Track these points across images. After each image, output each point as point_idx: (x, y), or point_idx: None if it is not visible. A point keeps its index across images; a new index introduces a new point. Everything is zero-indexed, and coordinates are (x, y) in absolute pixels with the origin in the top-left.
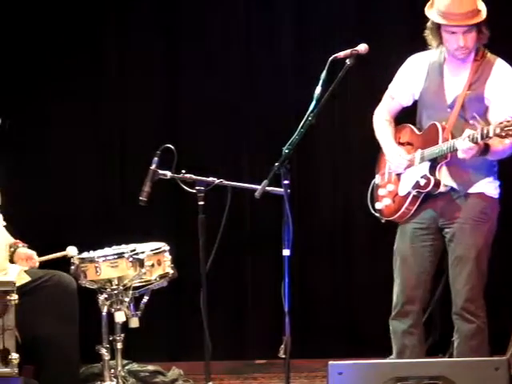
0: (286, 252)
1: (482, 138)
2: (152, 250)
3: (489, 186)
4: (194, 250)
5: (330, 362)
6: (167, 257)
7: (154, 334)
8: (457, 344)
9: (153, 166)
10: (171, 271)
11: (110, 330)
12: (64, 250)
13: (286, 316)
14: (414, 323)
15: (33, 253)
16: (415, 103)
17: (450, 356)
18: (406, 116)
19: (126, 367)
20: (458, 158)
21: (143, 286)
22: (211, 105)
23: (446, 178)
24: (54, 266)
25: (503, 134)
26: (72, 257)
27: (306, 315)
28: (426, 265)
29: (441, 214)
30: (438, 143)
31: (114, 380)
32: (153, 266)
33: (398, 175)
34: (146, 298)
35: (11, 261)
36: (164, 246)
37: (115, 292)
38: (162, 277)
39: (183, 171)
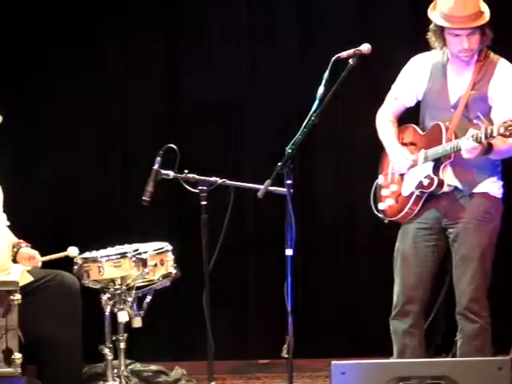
0: (289, 252)
1: (486, 137)
2: (155, 250)
3: (493, 186)
4: (197, 250)
5: (333, 362)
6: (170, 257)
7: (157, 333)
8: (460, 344)
9: (155, 166)
10: (174, 271)
11: (113, 330)
12: (66, 250)
13: (288, 316)
14: (414, 323)
15: (35, 253)
16: (418, 103)
17: (453, 356)
18: (408, 116)
19: (129, 367)
20: (461, 158)
21: (146, 286)
22: (214, 104)
23: (449, 178)
24: (56, 265)
25: (507, 133)
26: (74, 257)
27: (309, 315)
28: (427, 264)
29: (444, 214)
30: (441, 143)
31: (117, 380)
32: (156, 265)
33: (402, 175)
34: (148, 298)
35: (14, 261)
36: (167, 246)
37: (118, 292)
38: (164, 276)
39: (186, 171)
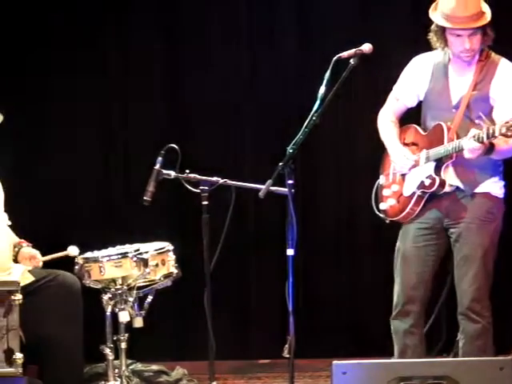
0: (290, 252)
1: (488, 137)
2: (156, 250)
3: (494, 186)
4: (198, 250)
5: (334, 362)
6: (171, 256)
7: (158, 333)
8: (462, 344)
9: (157, 166)
10: (175, 271)
11: (114, 330)
12: (66, 249)
13: (289, 316)
14: (414, 323)
15: (36, 252)
16: (420, 104)
17: (455, 356)
18: (410, 117)
19: (130, 367)
20: (463, 158)
21: (147, 286)
22: (215, 104)
23: (451, 178)
24: (56, 265)
25: (509, 133)
26: (75, 256)
27: (310, 315)
28: (428, 264)
29: (446, 214)
30: (443, 143)
31: (118, 380)
32: (157, 265)
33: (403, 175)
34: (150, 298)
35: (15, 260)
36: (168, 246)
37: (119, 292)
38: (166, 276)
39: (187, 171)
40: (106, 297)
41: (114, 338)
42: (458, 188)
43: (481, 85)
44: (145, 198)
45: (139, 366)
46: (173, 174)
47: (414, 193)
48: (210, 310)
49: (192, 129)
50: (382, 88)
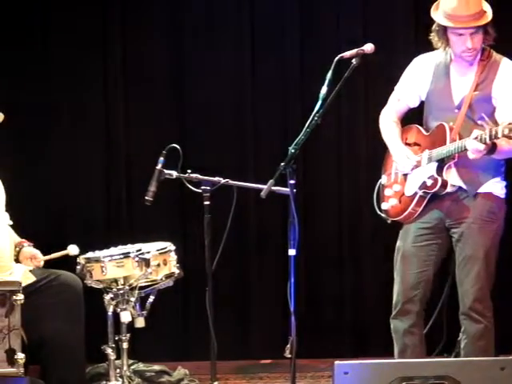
0: (292, 252)
1: (491, 138)
2: (158, 250)
3: (496, 186)
4: (200, 250)
5: (336, 362)
6: (173, 256)
7: (159, 333)
8: (464, 344)
9: (159, 166)
10: (177, 271)
11: (116, 330)
12: (66, 249)
13: (291, 316)
14: (414, 322)
15: (37, 252)
16: (422, 103)
17: (456, 356)
18: (411, 116)
19: (132, 367)
20: (465, 159)
21: (149, 286)
22: (217, 104)
23: (453, 179)
24: (58, 265)
25: (511, 134)
26: (75, 255)
27: (312, 315)
28: (428, 264)
29: (447, 214)
30: (445, 144)
31: (120, 380)
32: (159, 265)
33: (405, 175)
34: (151, 298)
35: (16, 260)
36: (170, 246)
37: (121, 292)
38: (167, 276)
39: (189, 171)
40: (107, 297)
41: (116, 338)
42: (460, 188)
43: (483, 85)
44: (147, 198)
45: (141, 366)
46: (175, 174)
47: (415, 193)
48: (211, 310)
49: (194, 129)
50: (384, 88)
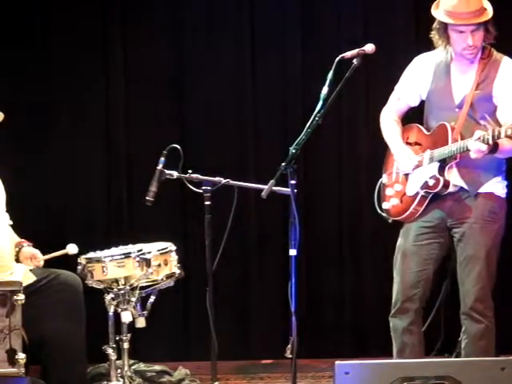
0: (293, 252)
1: (494, 139)
2: (159, 250)
3: (497, 186)
4: (201, 250)
5: (337, 362)
6: (174, 257)
7: (160, 333)
8: (465, 344)
9: (159, 166)
10: (178, 271)
11: (117, 330)
12: (65, 248)
13: (292, 316)
14: (413, 320)
15: (37, 251)
16: (422, 102)
17: (457, 356)
18: (412, 116)
19: (133, 367)
20: (467, 159)
21: (150, 286)
22: (217, 104)
23: (455, 179)
24: (58, 265)
25: None
26: (74, 254)
27: (313, 315)
28: (427, 263)
29: (449, 214)
30: (447, 144)
31: (121, 380)
32: (159, 265)
33: (406, 175)
34: (152, 298)
35: (17, 260)
36: (170, 246)
37: (122, 292)
38: (168, 277)
39: (190, 171)
40: (108, 297)
41: (117, 338)
42: (461, 188)
43: (483, 84)
44: (147, 198)
45: (142, 366)
46: (175, 174)
47: (417, 193)
48: (212, 310)
49: (195, 129)
50: (385, 88)
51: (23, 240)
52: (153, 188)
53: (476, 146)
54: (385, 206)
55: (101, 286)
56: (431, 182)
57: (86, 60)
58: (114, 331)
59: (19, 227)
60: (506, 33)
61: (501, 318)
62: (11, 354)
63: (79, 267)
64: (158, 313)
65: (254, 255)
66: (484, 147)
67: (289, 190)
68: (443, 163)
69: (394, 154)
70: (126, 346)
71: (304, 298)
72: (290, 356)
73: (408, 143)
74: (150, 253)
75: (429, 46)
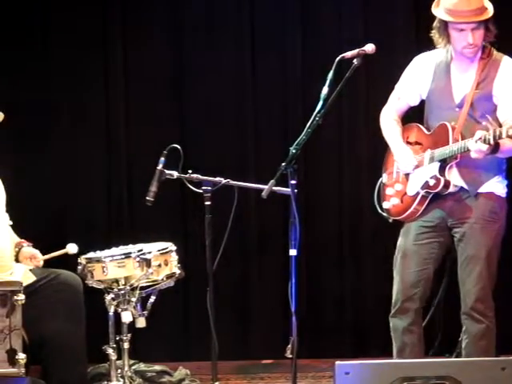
0: (293, 252)
1: (495, 139)
2: (159, 250)
3: (497, 186)
4: (201, 250)
5: (337, 362)
6: (174, 257)
7: (160, 333)
8: (465, 344)
9: (159, 166)
10: (178, 271)
11: (117, 330)
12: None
13: (292, 316)
14: (413, 321)
15: (36, 251)
16: (422, 102)
17: (457, 356)
18: (412, 115)
19: (133, 367)
20: (467, 158)
21: (150, 286)
22: (218, 104)
23: (455, 179)
24: (57, 265)
25: None
26: (74, 254)
27: (313, 315)
28: (428, 262)
29: (449, 214)
30: (448, 144)
31: (121, 380)
32: (160, 265)
33: (406, 175)
34: (152, 298)
35: (16, 260)
36: (171, 246)
37: (122, 292)
38: (168, 277)
39: (190, 171)
40: (108, 297)
41: (117, 338)
42: (461, 188)
43: (483, 83)
44: (147, 198)
45: (142, 367)
46: (175, 174)
47: (418, 193)
48: (212, 310)
49: (195, 129)
50: (385, 88)
51: (23, 240)
52: (153, 188)
53: (477, 147)
54: (385, 205)
55: (101, 286)
56: (432, 182)
57: (86, 60)
58: (115, 331)
59: (19, 227)
60: (506, 32)
61: (501, 318)
62: (11, 354)
63: (79, 267)
64: (159, 313)
65: (254, 255)
66: (485, 147)
67: (289, 190)
68: (444, 163)
69: (394, 153)
70: (126, 346)
71: (304, 298)
72: (291, 356)
73: (408, 143)
74: (150, 253)
75: (429, 45)
